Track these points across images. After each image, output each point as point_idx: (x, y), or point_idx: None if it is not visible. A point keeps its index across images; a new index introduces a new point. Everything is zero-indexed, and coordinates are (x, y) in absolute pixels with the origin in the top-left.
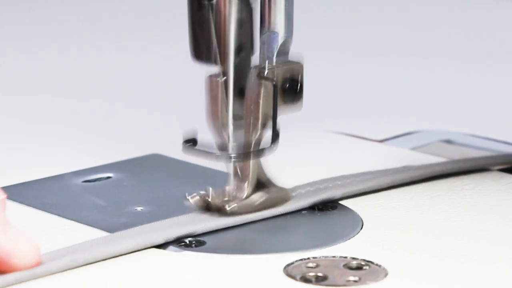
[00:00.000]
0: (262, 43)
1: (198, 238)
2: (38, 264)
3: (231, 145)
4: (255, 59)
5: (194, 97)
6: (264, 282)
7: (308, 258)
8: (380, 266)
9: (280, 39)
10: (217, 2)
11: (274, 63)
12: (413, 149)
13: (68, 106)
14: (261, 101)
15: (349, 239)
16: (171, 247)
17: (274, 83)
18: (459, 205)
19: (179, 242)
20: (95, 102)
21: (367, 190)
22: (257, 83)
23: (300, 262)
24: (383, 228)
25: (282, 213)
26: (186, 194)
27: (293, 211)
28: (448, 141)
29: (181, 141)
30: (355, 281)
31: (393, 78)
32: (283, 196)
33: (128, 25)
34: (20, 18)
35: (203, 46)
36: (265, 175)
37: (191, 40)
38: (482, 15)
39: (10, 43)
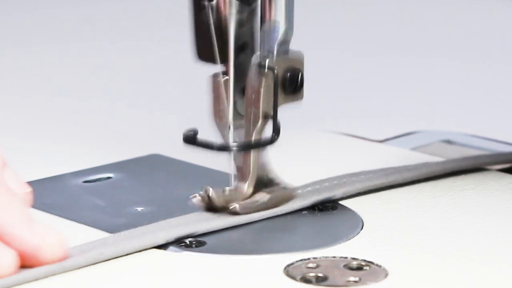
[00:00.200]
0: (263, 34)
1: (199, 239)
2: (66, 257)
3: (232, 143)
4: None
5: (194, 97)
6: (264, 282)
7: (309, 259)
8: (380, 266)
9: (281, 29)
10: (218, 2)
11: (275, 54)
12: (413, 149)
13: (68, 106)
14: (262, 92)
15: (350, 239)
16: (171, 247)
17: (275, 73)
18: (460, 205)
19: (179, 242)
20: (95, 102)
21: (367, 190)
22: (258, 73)
23: (301, 262)
24: (383, 229)
25: (282, 213)
26: (192, 195)
27: (293, 211)
28: (448, 141)
29: (181, 141)
30: (355, 281)
31: (393, 78)
32: (288, 195)
33: (128, 25)
34: (20, 18)
35: (207, 45)
36: (269, 173)
37: (194, 40)
38: (482, 15)
39: (10, 43)
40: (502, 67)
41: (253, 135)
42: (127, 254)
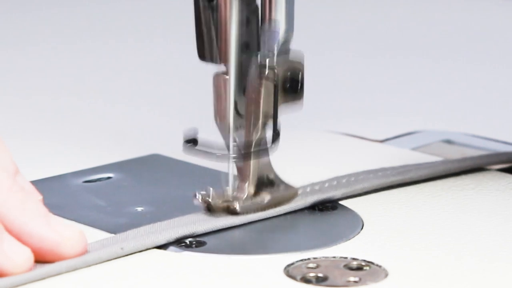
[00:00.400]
0: (263, 39)
1: (199, 239)
2: (85, 251)
3: (232, 145)
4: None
5: (194, 97)
6: (264, 282)
7: (309, 259)
8: (380, 266)
9: (281, 38)
10: (219, 2)
11: (274, 61)
12: (413, 149)
13: (68, 106)
14: (261, 100)
15: (350, 239)
16: (171, 247)
17: (274, 82)
18: (460, 205)
19: (179, 242)
20: (95, 102)
21: (367, 190)
22: (258, 82)
23: (301, 262)
24: (383, 229)
25: (282, 213)
26: (196, 193)
27: (293, 212)
28: (448, 141)
29: (181, 141)
30: (355, 281)
31: (393, 78)
32: (290, 195)
33: (128, 25)
34: (21, 18)
35: (208, 45)
36: (270, 173)
37: (197, 39)
38: (482, 15)
39: (10, 43)
40: (502, 67)
41: (253, 135)
42: (127, 255)
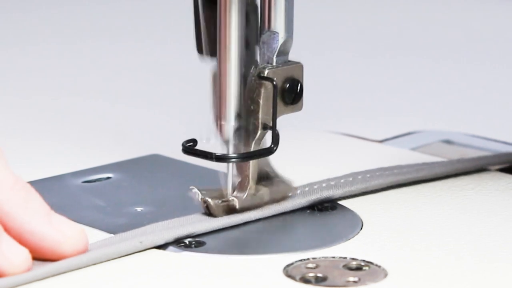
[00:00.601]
0: (262, 44)
1: (198, 239)
2: (86, 249)
3: (231, 145)
4: (255, 60)
5: (194, 97)
6: (263, 282)
7: (308, 259)
8: (379, 266)
9: (280, 39)
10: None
11: (274, 64)
12: (413, 149)
13: (68, 106)
14: (261, 102)
15: (349, 239)
16: (171, 247)
17: (274, 83)
18: (459, 205)
19: (179, 242)
20: (95, 102)
21: (366, 190)
22: (257, 84)
23: (300, 262)
24: (382, 229)
25: (282, 212)
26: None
27: (293, 211)
28: (448, 141)
29: (181, 141)
30: (354, 281)
31: (393, 78)
32: (287, 190)
33: (128, 25)
34: (20, 18)
35: (208, 41)
36: (269, 168)
37: (196, 35)
38: (482, 15)
39: (10, 43)
40: (502, 67)
41: (252, 145)
42: (127, 255)
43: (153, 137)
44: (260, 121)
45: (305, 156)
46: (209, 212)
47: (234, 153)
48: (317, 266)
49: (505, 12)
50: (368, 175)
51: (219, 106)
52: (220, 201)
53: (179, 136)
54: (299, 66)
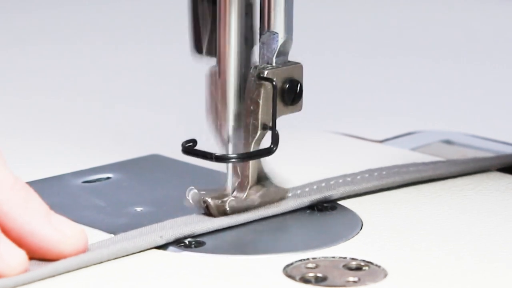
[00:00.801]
0: (262, 44)
1: (198, 239)
2: (86, 249)
3: (230, 145)
4: (254, 59)
5: (194, 97)
6: (263, 282)
7: (308, 259)
8: (379, 266)
9: (280, 39)
10: None
11: (274, 64)
12: (413, 149)
13: (68, 106)
14: (260, 102)
15: (349, 239)
16: (171, 247)
17: (274, 84)
18: (459, 205)
19: (178, 242)
20: (95, 102)
21: (366, 190)
22: (257, 84)
23: (300, 262)
24: (382, 229)
25: (282, 212)
26: (187, 193)
27: (293, 211)
28: (448, 141)
29: (181, 141)
30: (354, 281)
31: (393, 78)
32: (280, 193)
33: (128, 25)
34: (20, 18)
35: (204, 40)
36: (262, 171)
37: (192, 33)
38: (482, 15)
39: (10, 43)
40: (502, 67)
41: (252, 145)
42: (126, 255)
43: (153, 137)
44: (259, 121)
45: (305, 156)
46: (208, 212)
47: (233, 153)
48: (317, 266)
49: (505, 12)
50: (367, 175)
51: (217, 106)
52: (220, 201)
53: (179, 136)
54: (298, 66)
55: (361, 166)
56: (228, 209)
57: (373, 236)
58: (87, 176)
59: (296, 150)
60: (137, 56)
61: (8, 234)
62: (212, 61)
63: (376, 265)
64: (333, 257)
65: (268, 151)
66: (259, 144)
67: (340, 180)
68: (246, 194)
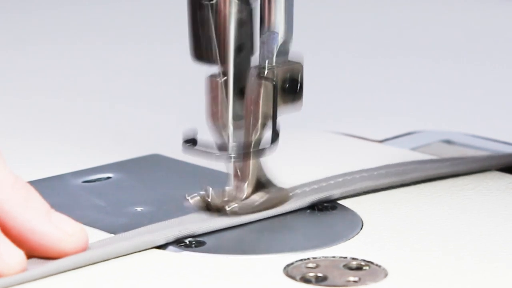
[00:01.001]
0: (262, 43)
1: (198, 239)
2: (87, 246)
3: (231, 145)
4: (255, 59)
5: (194, 97)
6: (264, 282)
7: (308, 259)
8: (380, 266)
9: (280, 39)
10: (217, 2)
11: (274, 63)
12: (413, 149)
13: (68, 106)
14: (261, 101)
15: (349, 239)
16: (171, 247)
17: (274, 83)
18: (459, 205)
19: (179, 242)
20: (95, 102)
21: (365, 189)
22: (257, 83)
23: (300, 262)
24: (383, 229)
25: (282, 213)
26: (186, 195)
27: (293, 211)
28: (448, 141)
29: (181, 141)
30: (355, 281)
31: (393, 78)
32: (283, 197)
33: (128, 25)
34: (21, 18)
35: (203, 46)
36: (265, 175)
37: (191, 40)
38: (482, 15)
39: (10, 43)
40: (502, 67)
41: (252, 142)
42: (126, 254)
43: (153, 137)
44: (260, 120)
45: (305, 156)
46: (209, 203)
47: (234, 152)
48: (317, 266)
49: (505, 12)
50: (365, 174)
51: (218, 107)
52: (220, 201)
53: (179, 136)
54: (299, 65)
55: (361, 166)
56: (237, 211)
57: (373, 236)
58: (87, 176)
59: (296, 150)
60: (137, 56)
61: (9, 232)
62: (211, 67)
63: (377, 265)
64: (334, 257)
65: (269, 150)
66: (259, 143)
67: (340, 180)
68: (245, 195)
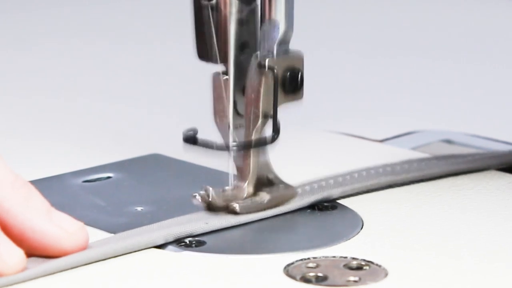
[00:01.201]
0: (263, 34)
1: (198, 238)
2: (87, 245)
3: (232, 139)
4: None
5: (194, 97)
6: (264, 282)
7: (308, 258)
8: (380, 266)
9: (281, 29)
10: (218, 2)
11: (274, 53)
12: (413, 149)
13: (68, 106)
14: (262, 90)
15: (349, 239)
16: (171, 247)
17: (275, 72)
18: (459, 205)
19: (179, 242)
20: (95, 102)
21: (365, 189)
22: (258, 73)
23: (300, 262)
24: (383, 228)
25: (282, 212)
26: (193, 194)
27: (293, 211)
28: (448, 141)
29: (181, 141)
30: (355, 281)
31: (393, 78)
32: (288, 195)
33: (128, 25)
34: (21, 18)
35: (207, 45)
36: (272, 172)
37: (196, 39)
38: (482, 15)
39: (10, 43)
40: (502, 67)
41: (253, 134)
42: (126, 254)
43: (153, 137)
44: (260, 110)
45: (305, 156)
46: (210, 203)
47: (234, 142)
48: (317, 266)
49: (505, 12)
50: (364, 173)
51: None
52: (220, 201)
53: (179, 136)
54: (299, 55)
55: (361, 165)
56: (238, 210)
57: (373, 236)
58: (88, 176)
59: (296, 150)
60: (137, 56)
61: (9, 231)
62: (215, 66)
63: (377, 265)
64: (334, 257)
65: (270, 140)
66: (260, 132)
67: (340, 179)
68: (246, 194)
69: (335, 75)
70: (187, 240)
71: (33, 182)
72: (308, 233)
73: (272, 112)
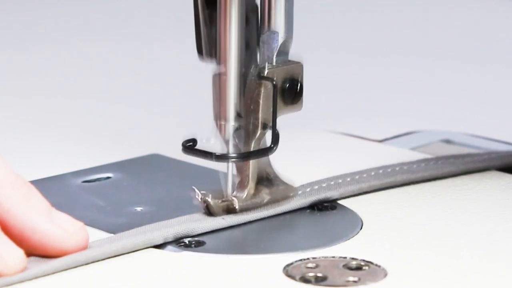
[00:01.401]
0: (262, 43)
1: (197, 238)
2: (87, 245)
3: (231, 144)
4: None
5: (194, 97)
6: (263, 282)
7: (308, 259)
8: (379, 266)
9: (280, 39)
10: (221, 0)
11: (274, 63)
12: (413, 149)
13: (68, 106)
14: (261, 101)
15: (349, 239)
16: (170, 247)
17: (274, 83)
18: (459, 205)
19: (178, 242)
20: (95, 102)
21: (366, 190)
22: (257, 83)
23: (300, 262)
24: (382, 228)
25: (282, 212)
26: (195, 190)
27: (293, 211)
28: (448, 141)
29: (181, 141)
30: (354, 281)
31: (393, 78)
32: (288, 193)
33: (128, 25)
34: (21, 18)
35: (208, 44)
36: (273, 171)
37: (197, 38)
38: (482, 15)
39: (10, 43)
40: (502, 67)
41: (252, 144)
42: (125, 253)
43: (153, 137)
44: (260, 120)
45: (305, 156)
46: (209, 212)
47: (234, 153)
48: (317, 266)
49: (505, 12)
50: (364, 175)
51: (219, 106)
52: (220, 201)
53: (179, 136)
54: (299, 65)
55: (361, 166)
56: (237, 208)
57: (373, 236)
58: (87, 176)
59: (296, 150)
60: (137, 56)
61: (9, 231)
62: (215, 64)
63: (376, 265)
64: (333, 257)
65: (268, 150)
66: (259, 143)
67: (340, 180)
68: (246, 194)
69: (335, 75)
70: (186, 240)
71: (33, 182)
72: (307, 233)
73: (271, 122)
